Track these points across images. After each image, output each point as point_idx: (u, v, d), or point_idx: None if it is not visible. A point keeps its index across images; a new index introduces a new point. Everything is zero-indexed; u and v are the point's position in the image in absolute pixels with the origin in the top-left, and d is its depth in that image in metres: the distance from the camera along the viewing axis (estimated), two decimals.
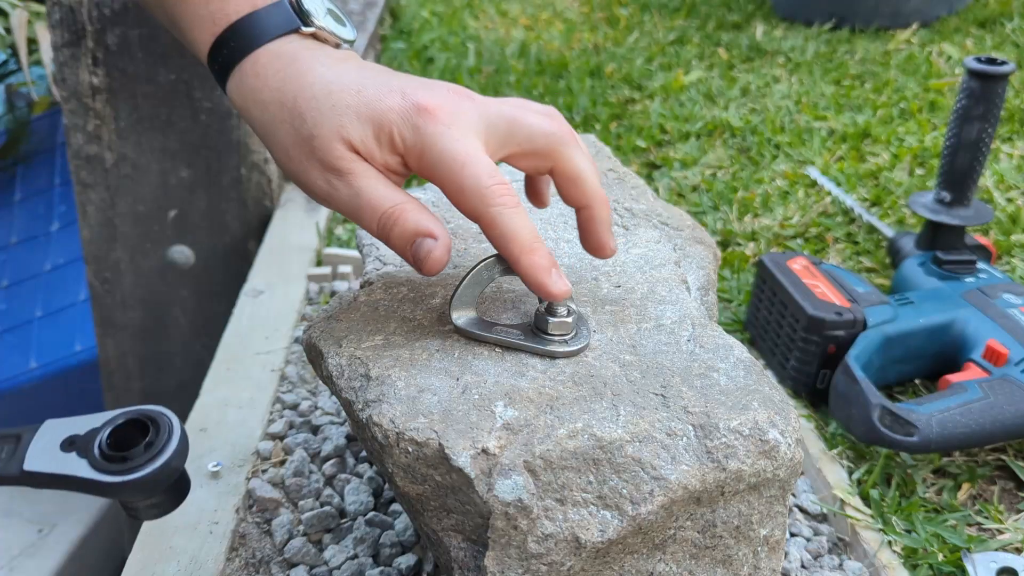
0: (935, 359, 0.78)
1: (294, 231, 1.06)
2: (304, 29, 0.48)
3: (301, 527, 0.62)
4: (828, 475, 0.68)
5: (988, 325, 0.74)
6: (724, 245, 1.08)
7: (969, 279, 0.81)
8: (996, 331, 0.73)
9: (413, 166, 0.45)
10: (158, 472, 0.37)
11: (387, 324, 0.49)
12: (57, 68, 1.05)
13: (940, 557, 0.62)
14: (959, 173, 0.86)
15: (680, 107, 1.46)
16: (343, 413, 0.72)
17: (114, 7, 1.02)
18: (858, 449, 0.73)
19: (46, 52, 1.82)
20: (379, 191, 0.44)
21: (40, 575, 1.42)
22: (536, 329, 0.47)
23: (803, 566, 0.60)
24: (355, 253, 0.99)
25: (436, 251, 0.44)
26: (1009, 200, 1.09)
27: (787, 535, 0.54)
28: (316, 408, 0.74)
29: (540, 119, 0.46)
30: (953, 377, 0.72)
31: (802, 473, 0.70)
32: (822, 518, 0.66)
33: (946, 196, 0.88)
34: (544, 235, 0.58)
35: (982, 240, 0.91)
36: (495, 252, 0.46)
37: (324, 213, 1.10)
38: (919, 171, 1.19)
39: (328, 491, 0.65)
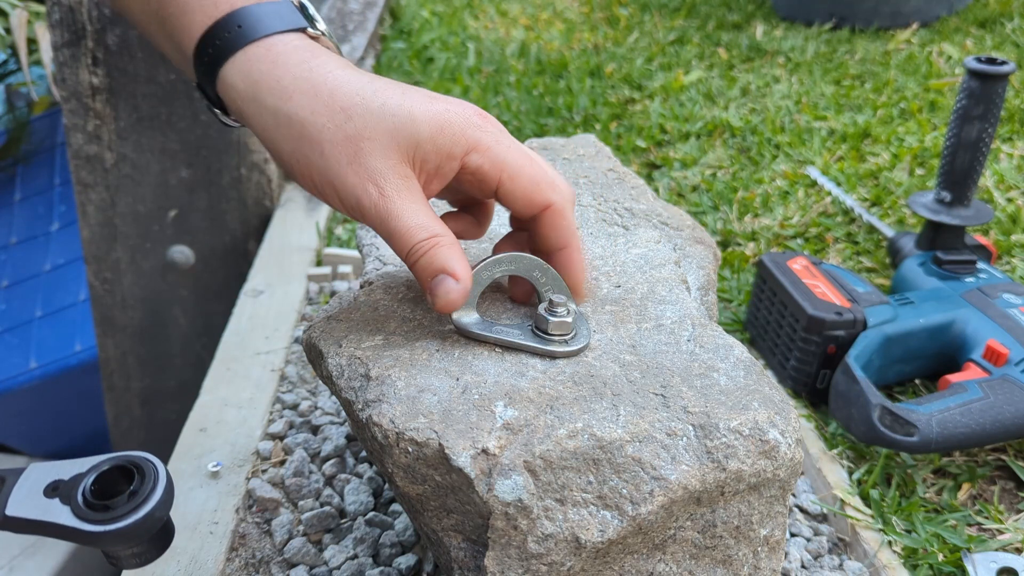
0: (935, 359, 0.78)
1: (294, 231, 1.06)
2: (311, 31, 0.47)
3: (301, 527, 0.61)
4: (828, 475, 0.68)
5: (988, 325, 0.74)
6: (724, 245, 1.08)
7: (969, 279, 0.81)
8: (996, 331, 0.73)
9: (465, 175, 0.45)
10: (141, 522, 0.36)
11: (387, 324, 0.49)
12: (57, 68, 1.05)
13: (940, 557, 0.62)
14: (959, 173, 0.86)
15: (680, 107, 1.46)
16: (343, 413, 0.72)
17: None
18: (858, 449, 0.73)
19: (46, 52, 1.82)
20: (419, 218, 0.43)
21: (40, 575, 1.42)
22: (536, 329, 0.47)
23: (803, 566, 0.60)
24: (355, 253, 0.99)
25: (454, 293, 0.44)
26: (1009, 200, 1.09)
27: (787, 535, 0.54)
28: (316, 408, 0.74)
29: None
30: (953, 377, 0.72)
31: (802, 473, 0.70)
32: (822, 518, 0.66)
33: (946, 196, 0.88)
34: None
35: (982, 240, 0.91)
36: (495, 253, 0.46)
37: (324, 213, 1.10)
38: (919, 171, 1.19)
39: (328, 491, 0.65)
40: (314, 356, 0.50)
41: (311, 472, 0.66)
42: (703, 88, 1.54)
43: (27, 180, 2.11)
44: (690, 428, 0.42)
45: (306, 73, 0.44)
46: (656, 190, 1.22)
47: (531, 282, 0.48)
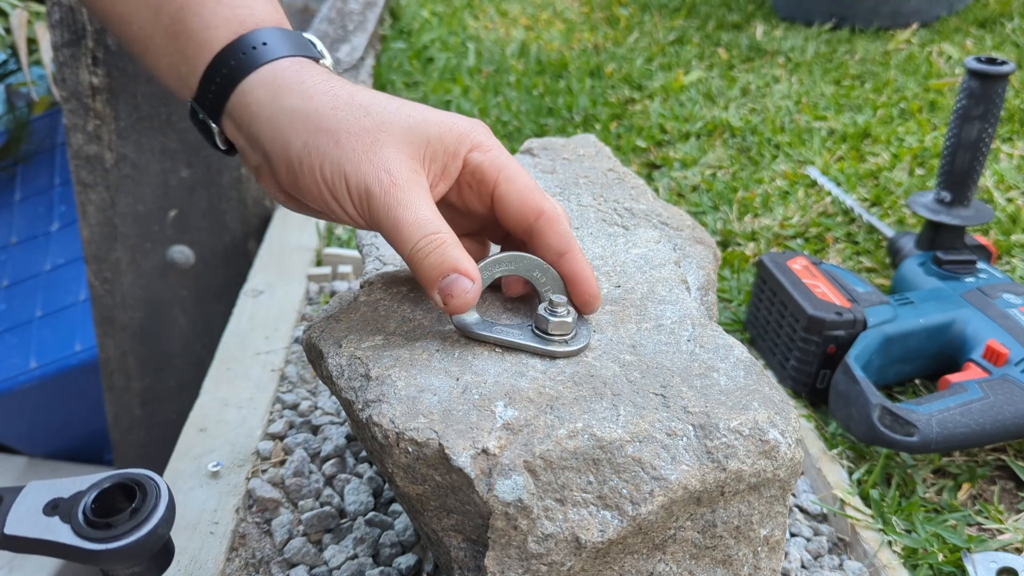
0: (935, 359, 0.78)
1: (294, 231, 1.06)
2: (323, 61, 0.50)
3: (301, 527, 0.62)
4: (828, 475, 0.68)
5: (988, 325, 0.74)
6: (724, 245, 1.08)
7: (969, 279, 0.81)
8: (996, 331, 0.73)
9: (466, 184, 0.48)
10: (143, 540, 0.36)
11: (387, 324, 0.49)
12: (57, 68, 1.05)
13: (940, 557, 0.62)
14: (959, 173, 0.86)
15: (680, 107, 1.46)
16: (343, 413, 0.72)
17: None
18: (858, 449, 0.73)
19: (46, 52, 1.82)
20: (427, 211, 0.44)
21: (40, 575, 1.42)
22: (536, 329, 0.47)
23: (803, 566, 0.60)
24: (355, 253, 0.99)
25: (471, 294, 0.43)
26: (1009, 200, 1.09)
27: (787, 535, 0.54)
28: (316, 408, 0.74)
29: None
30: (953, 377, 0.72)
31: (802, 473, 0.70)
32: (822, 518, 0.66)
33: (946, 196, 0.88)
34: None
35: (982, 240, 0.91)
36: (495, 253, 0.46)
37: None
38: (919, 171, 1.19)
39: (328, 491, 0.65)
40: (314, 356, 0.50)
41: (311, 472, 0.66)
42: (703, 88, 1.54)
43: (27, 180, 2.11)
44: (690, 428, 0.42)
45: (329, 83, 0.46)
46: (656, 190, 1.22)
47: (531, 282, 0.48)
